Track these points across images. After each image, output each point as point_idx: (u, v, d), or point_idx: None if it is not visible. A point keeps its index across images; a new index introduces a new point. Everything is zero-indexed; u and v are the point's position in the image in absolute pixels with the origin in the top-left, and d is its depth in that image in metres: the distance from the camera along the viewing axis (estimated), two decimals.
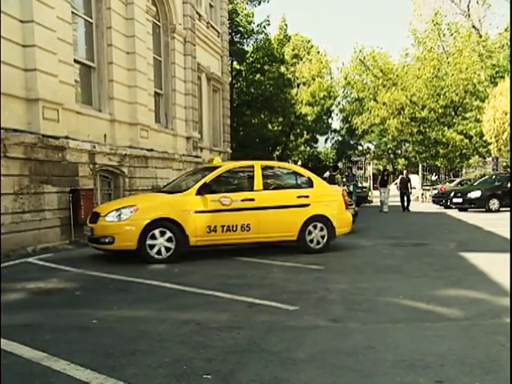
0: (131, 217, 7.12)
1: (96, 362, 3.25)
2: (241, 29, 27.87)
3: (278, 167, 8.95)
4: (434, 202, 23.55)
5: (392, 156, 55.27)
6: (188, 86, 15.90)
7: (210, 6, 19.64)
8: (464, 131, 29.41)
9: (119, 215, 7.15)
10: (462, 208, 18.68)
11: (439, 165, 33.37)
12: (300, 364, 3.24)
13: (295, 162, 42.31)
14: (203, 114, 18.52)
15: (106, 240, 7.10)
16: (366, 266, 7.05)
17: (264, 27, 28.46)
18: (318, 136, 46.91)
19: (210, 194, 7.52)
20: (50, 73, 8.81)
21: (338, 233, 8.37)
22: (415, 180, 28.55)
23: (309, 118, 37.70)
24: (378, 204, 19.98)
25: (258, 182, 7.94)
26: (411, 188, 20.29)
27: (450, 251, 8.34)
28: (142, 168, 12.26)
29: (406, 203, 19.18)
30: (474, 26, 31.00)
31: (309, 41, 41.98)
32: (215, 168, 8.13)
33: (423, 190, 28.50)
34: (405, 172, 20.82)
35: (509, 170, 23.49)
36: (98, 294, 5.32)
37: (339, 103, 45.69)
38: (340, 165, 37.35)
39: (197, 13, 17.05)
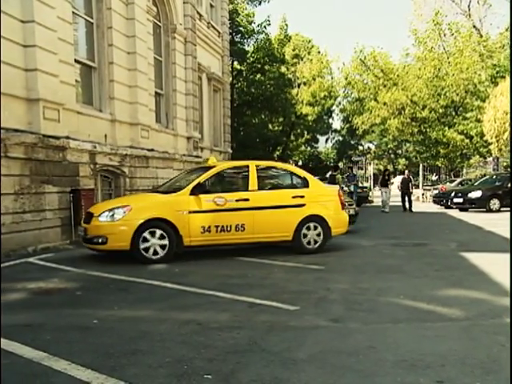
0: (124, 217, 7.10)
1: (97, 361, 3.26)
2: (241, 29, 27.87)
3: (274, 167, 8.89)
4: (434, 202, 23.55)
5: (393, 156, 55.31)
6: (189, 86, 15.91)
7: (211, 6, 19.64)
8: (465, 131, 29.39)
9: (112, 215, 7.14)
10: (462, 208, 18.66)
11: (440, 165, 33.35)
12: (301, 364, 3.24)
13: (296, 162, 42.33)
14: (204, 114, 18.53)
15: (99, 240, 7.09)
16: (366, 265, 7.05)
17: (264, 27, 28.48)
18: (318, 136, 46.94)
19: (204, 194, 7.49)
20: (51, 73, 8.81)
21: (334, 233, 8.33)
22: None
23: (309, 118, 37.69)
24: (379, 204, 19.98)
25: (253, 182, 7.90)
26: (412, 188, 20.24)
27: (450, 251, 8.34)
28: (143, 168, 12.27)
29: (407, 203, 19.11)
30: (474, 26, 30.96)
31: (309, 41, 41.98)
32: (210, 168, 8.10)
33: (424, 189, 28.48)
34: (406, 172, 20.77)
35: (509, 169, 23.48)
36: (98, 294, 5.32)
37: (340, 103, 45.72)
38: (340, 165, 37.30)
39: (197, 13, 17.06)
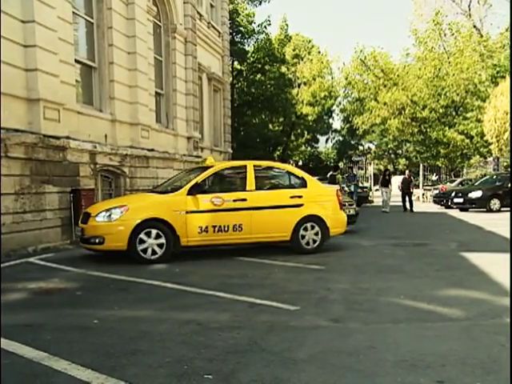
0: (121, 217, 7.10)
1: (97, 361, 3.26)
2: (242, 29, 27.86)
3: (271, 167, 8.86)
4: (434, 202, 23.54)
5: (393, 156, 55.30)
6: (189, 86, 15.91)
7: (211, 6, 19.64)
8: (465, 131, 29.39)
9: (109, 215, 7.13)
10: (462, 208, 18.66)
11: (440, 165, 33.35)
12: (301, 364, 3.24)
13: (296, 162, 42.34)
14: (204, 114, 18.53)
15: (97, 240, 7.09)
16: (367, 265, 7.05)
17: (265, 27, 28.47)
18: (318, 136, 46.96)
19: (201, 194, 7.48)
20: (51, 73, 8.82)
21: (332, 233, 8.31)
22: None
23: (309, 118, 37.69)
24: (379, 204, 19.96)
25: (251, 182, 7.89)
26: (413, 188, 20.21)
27: (451, 251, 8.34)
28: (143, 168, 12.27)
29: (407, 204, 19.09)
30: (475, 26, 30.94)
31: (309, 41, 41.98)
32: (207, 168, 8.10)
33: (424, 189, 28.48)
34: (407, 172, 20.73)
35: (510, 169, 23.47)
36: (98, 294, 5.32)
37: (340, 103, 45.74)
38: (341, 165, 37.31)
39: (198, 13, 17.06)
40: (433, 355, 3.37)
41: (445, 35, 31.52)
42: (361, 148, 53.68)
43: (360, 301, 4.94)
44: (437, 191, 24.08)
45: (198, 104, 17.01)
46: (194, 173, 8.25)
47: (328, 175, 18.11)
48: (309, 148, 46.02)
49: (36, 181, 8.44)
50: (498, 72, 26.18)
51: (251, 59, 28.79)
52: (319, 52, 41.47)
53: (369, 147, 55.00)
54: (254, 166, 8.15)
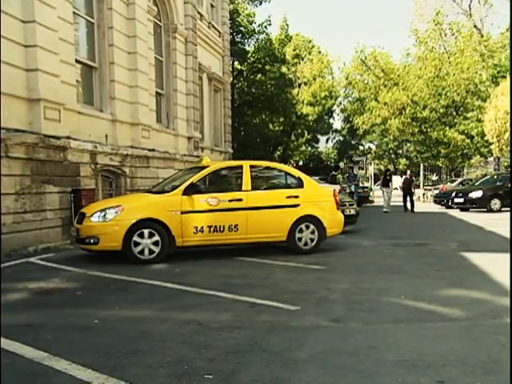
0: (116, 217, 7.08)
1: (97, 361, 3.26)
2: (242, 29, 27.85)
3: (268, 167, 8.78)
4: (435, 201, 23.54)
5: (393, 156, 55.26)
6: (189, 86, 15.91)
7: (212, 6, 19.65)
8: (465, 131, 29.39)
9: (104, 216, 7.12)
10: (463, 208, 18.65)
11: (441, 165, 33.35)
12: (301, 364, 3.24)
13: (296, 162, 42.35)
14: (204, 114, 18.53)
15: (91, 240, 7.08)
16: (367, 265, 7.05)
17: (265, 27, 28.46)
18: (319, 136, 46.93)
19: (197, 194, 7.46)
20: (52, 73, 8.82)
21: (329, 233, 8.28)
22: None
23: (310, 118, 37.67)
24: (379, 204, 19.94)
25: (247, 182, 7.86)
26: (414, 188, 20.18)
27: (451, 251, 8.33)
28: (144, 168, 12.27)
29: (408, 203, 19.06)
30: (475, 26, 30.94)
31: (310, 41, 41.96)
32: (203, 168, 8.08)
33: (425, 189, 28.48)
34: (408, 172, 20.70)
35: (510, 169, 23.46)
36: (99, 294, 5.32)
37: (340, 103, 45.70)
38: (341, 165, 37.31)
39: (198, 13, 17.06)
40: (433, 355, 3.36)
41: (445, 35, 31.53)
42: (361, 148, 53.68)
43: (360, 301, 4.94)
44: (437, 191, 24.08)
45: (199, 104, 17.01)
46: (191, 173, 8.23)
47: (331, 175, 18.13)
48: (309, 148, 45.99)
49: (36, 181, 8.44)
50: (498, 72, 26.17)
51: (251, 59, 28.78)
52: (319, 52, 41.46)
53: (369, 147, 55.01)
54: (250, 166, 8.12)
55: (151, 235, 7.11)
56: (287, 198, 7.99)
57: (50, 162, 8.79)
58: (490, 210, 17.59)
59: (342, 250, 8.57)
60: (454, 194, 19.28)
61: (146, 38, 12.52)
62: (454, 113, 32.23)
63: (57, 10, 9.03)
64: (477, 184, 20.22)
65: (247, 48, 28.87)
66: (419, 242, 9.50)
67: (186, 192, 7.42)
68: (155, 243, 7.14)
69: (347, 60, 59.09)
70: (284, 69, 31.83)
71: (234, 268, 6.92)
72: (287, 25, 34.75)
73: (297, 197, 8.03)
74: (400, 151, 52.17)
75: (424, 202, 26.72)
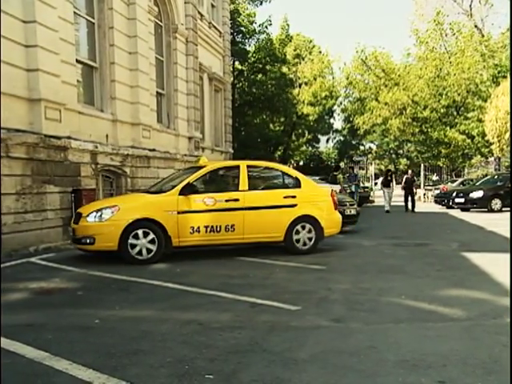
0: (112, 217, 7.08)
1: (98, 361, 3.26)
2: (243, 29, 27.85)
3: (265, 167, 8.73)
4: (436, 202, 23.53)
5: (394, 156, 55.25)
6: (190, 86, 15.91)
7: (212, 6, 19.65)
8: (466, 131, 29.38)
9: (100, 215, 7.12)
10: (464, 208, 18.64)
11: (441, 165, 33.32)
12: (302, 364, 3.24)
13: (297, 162, 42.33)
14: (205, 113, 18.53)
15: (87, 240, 7.08)
16: (368, 265, 7.04)
17: (266, 27, 28.46)
18: (319, 136, 46.90)
19: (193, 194, 7.45)
20: (52, 73, 8.82)
21: (327, 233, 8.26)
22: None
23: (310, 117, 37.65)
24: (380, 204, 19.92)
25: (244, 182, 7.84)
26: (416, 188, 20.13)
27: (452, 251, 8.33)
28: (144, 168, 12.28)
29: (410, 203, 19.04)
30: (476, 26, 30.91)
31: (310, 41, 41.95)
32: (200, 168, 8.07)
33: (425, 189, 28.48)
34: (409, 172, 20.67)
35: (510, 169, 23.45)
36: (100, 294, 5.32)
37: (341, 103, 45.64)
38: (342, 165, 37.29)
39: (199, 13, 17.06)
40: (434, 355, 3.36)
41: (446, 35, 31.51)
42: (362, 148, 53.65)
43: (361, 301, 4.94)
44: (438, 191, 24.07)
45: (199, 104, 17.02)
46: (188, 173, 8.21)
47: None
48: (310, 148, 45.95)
49: (37, 181, 8.45)
50: (499, 72, 26.16)
51: (252, 59, 28.78)
52: (320, 52, 41.43)
53: (370, 147, 55.01)
54: (247, 166, 8.10)
55: (147, 235, 7.10)
56: (284, 198, 7.97)
57: (50, 162, 8.79)
58: (491, 210, 17.58)
59: (342, 250, 8.57)
60: (454, 194, 19.27)
61: (146, 38, 12.52)
62: (455, 113, 32.22)
63: (57, 10, 9.04)
64: (477, 184, 20.20)
65: (248, 48, 28.87)
66: (420, 242, 9.49)
67: (182, 192, 7.40)
68: (151, 243, 7.13)
69: (348, 60, 59.01)
70: (285, 69, 31.82)
71: (235, 268, 6.92)
72: (288, 25, 34.75)
73: (294, 197, 8.01)
74: (401, 151, 52.19)
75: (425, 202, 26.71)
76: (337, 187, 15.70)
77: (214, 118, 19.74)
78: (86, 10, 10.93)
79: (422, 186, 28.80)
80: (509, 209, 16.33)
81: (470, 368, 3.16)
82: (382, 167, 51.99)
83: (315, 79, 37.57)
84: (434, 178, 33.30)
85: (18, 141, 7.95)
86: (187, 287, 5.52)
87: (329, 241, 8.93)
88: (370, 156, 49.53)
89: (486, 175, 25.01)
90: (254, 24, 28.74)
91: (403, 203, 19.46)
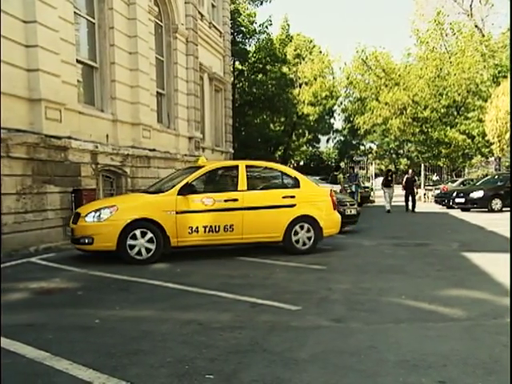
0: (110, 217, 7.07)
1: (98, 361, 3.26)
2: (243, 29, 27.85)
3: (264, 167, 8.71)
4: (436, 201, 23.51)
5: (394, 156, 55.23)
6: (190, 86, 15.92)
7: (212, 6, 19.65)
8: (466, 131, 29.36)
9: (99, 215, 7.11)
10: (464, 208, 18.63)
11: (442, 165, 33.31)
12: (302, 364, 3.24)
13: (297, 162, 42.33)
14: (205, 114, 18.53)
15: (86, 240, 7.07)
16: (368, 265, 7.04)
17: (266, 27, 28.47)
18: (320, 136, 46.88)
19: (192, 194, 7.44)
20: (53, 73, 8.83)
21: (326, 233, 8.25)
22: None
23: (311, 117, 37.65)
24: (380, 204, 19.91)
25: (242, 182, 7.83)
26: (417, 188, 20.10)
27: (452, 251, 8.33)
28: (145, 168, 12.28)
29: (410, 203, 19.02)
30: (476, 26, 30.89)
31: (311, 41, 41.95)
32: (199, 168, 8.06)
33: (426, 189, 28.47)
34: (410, 171, 20.64)
35: (510, 169, 23.45)
36: (100, 294, 5.32)
37: (341, 103, 45.62)
38: (342, 165, 37.28)
39: (199, 13, 17.07)
40: (434, 355, 3.36)
41: (446, 35, 31.50)
42: (362, 148, 53.61)
43: (361, 301, 4.93)
44: (438, 191, 24.06)
45: (200, 104, 17.02)
46: (186, 173, 8.20)
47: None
48: (310, 148, 45.94)
49: (38, 181, 8.45)
50: (499, 72, 26.16)
51: (252, 59, 28.78)
52: (320, 52, 41.43)
53: (370, 147, 54.96)
54: (246, 166, 8.08)
55: (146, 235, 7.10)
56: (283, 198, 7.96)
57: (51, 162, 8.80)
58: (491, 210, 17.57)
59: (342, 250, 8.57)
60: (455, 194, 19.27)
61: (146, 38, 12.53)
62: (455, 113, 32.21)
63: (58, 10, 9.04)
64: (478, 184, 20.20)
65: (248, 48, 28.88)
66: (420, 242, 9.49)
67: (181, 192, 7.40)
68: (150, 243, 7.12)
69: (348, 60, 58.96)
70: (285, 69, 31.82)
71: (235, 268, 6.92)
72: (288, 25, 34.77)
73: (293, 197, 8.00)
74: (401, 151, 52.15)
75: (425, 202, 26.70)
76: (337, 187, 15.73)
77: (214, 118, 19.75)
78: (86, 10, 10.94)
79: (422, 185, 28.80)
80: (509, 209, 16.33)
81: (470, 368, 3.16)
82: (383, 167, 51.96)
83: (315, 79, 37.56)
84: (435, 177, 33.30)
85: (18, 141, 7.95)
86: (187, 287, 5.52)
87: (329, 241, 8.93)
88: (370, 156, 49.50)
89: (487, 175, 25.01)
90: (254, 24, 28.75)
91: (403, 203, 19.45)
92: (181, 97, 15.27)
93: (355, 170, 21.68)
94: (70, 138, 9.25)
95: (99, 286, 5.75)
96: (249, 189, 7.84)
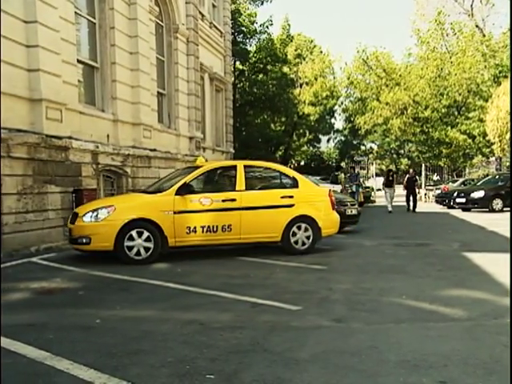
0: (108, 217, 7.07)
1: (99, 361, 3.26)
2: (243, 29, 27.85)
3: (262, 167, 8.70)
4: (437, 201, 23.51)
5: (395, 156, 55.19)
6: (191, 86, 15.92)
7: (213, 6, 19.66)
8: (467, 131, 29.35)
9: (96, 215, 7.11)
10: (465, 208, 18.62)
11: (442, 165, 33.30)
12: (303, 364, 3.24)
13: (298, 162, 42.32)
14: (206, 114, 18.54)
15: (83, 240, 7.07)
16: (369, 265, 7.04)
17: (267, 27, 28.46)
18: (320, 136, 46.83)
19: (190, 194, 7.43)
20: (54, 73, 8.83)
21: (324, 233, 8.23)
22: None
23: (311, 117, 37.64)
24: (381, 204, 19.90)
25: (241, 182, 7.82)
26: (419, 188, 20.07)
27: (453, 251, 8.32)
28: (145, 168, 12.28)
29: (411, 203, 19.01)
30: (477, 26, 30.87)
31: (311, 41, 41.94)
32: (197, 168, 8.06)
33: (426, 189, 28.46)
34: (411, 171, 20.62)
35: (511, 169, 23.43)
36: (101, 294, 5.33)
37: (342, 103, 45.58)
38: (343, 165, 37.25)
39: (200, 13, 17.07)
40: (435, 355, 3.36)
41: (447, 35, 31.49)
42: (363, 148, 53.55)
43: (362, 301, 4.93)
44: (439, 191, 24.05)
45: (200, 104, 17.02)
46: (185, 173, 8.19)
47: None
48: (311, 148, 45.90)
49: (38, 181, 8.45)
50: (500, 72, 26.14)
51: (253, 59, 28.78)
52: (321, 52, 41.41)
53: (371, 147, 54.90)
54: (245, 166, 8.07)
55: (143, 235, 7.09)
56: (282, 198, 7.95)
57: (51, 162, 8.80)
58: (492, 210, 17.56)
59: (343, 250, 8.56)
60: (455, 194, 19.26)
61: (147, 38, 12.53)
62: (456, 113, 32.19)
63: (58, 10, 9.04)
64: (479, 184, 20.19)
65: (249, 48, 28.87)
66: (421, 242, 9.49)
67: (178, 192, 7.39)
68: (147, 243, 7.12)
69: (349, 60, 58.93)
70: (286, 69, 31.82)
71: (236, 268, 6.92)
72: (289, 25, 34.74)
73: (291, 197, 7.99)
74: (402, 151, 52.12)
75: (426, 202, 26.70)
76: (338, 187, 15.75)
77: (215, 118, 19.75)
78: (87, 10, 10.94)
79: (423, 185, 28.78)
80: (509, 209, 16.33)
81: (471, 368, 3.15)
82: (383, 167, 51.94)
83: (316, 79, 37.55)
84: (435, 177, 33.28)
85: (19, 141, 7.95)
86: (188, 287, 5.52)
87: (330, 241, 8.93)
88: (371, 156, 49.46)
89: (487, 175, 24.98)
90: (255, 24, 28.75)
91: (404, 203, 19.43)
92: (181, 97, 15.27)
93: (356, 170, 21.65)
94: (70, 138, 9.26)
95: (100, 285, 5.76)
96: (247, 189, 7.83)
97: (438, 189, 24.95)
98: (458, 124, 30.24)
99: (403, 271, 6.57)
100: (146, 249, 7.11)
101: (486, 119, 23.55)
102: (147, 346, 3.57)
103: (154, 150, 12.67)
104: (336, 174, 17.61)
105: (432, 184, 30.13)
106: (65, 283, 5.86)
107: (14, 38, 8.12)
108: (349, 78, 35.56)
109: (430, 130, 31.61)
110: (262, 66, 29.06)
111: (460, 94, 30.55)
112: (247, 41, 28.84)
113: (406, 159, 50.49)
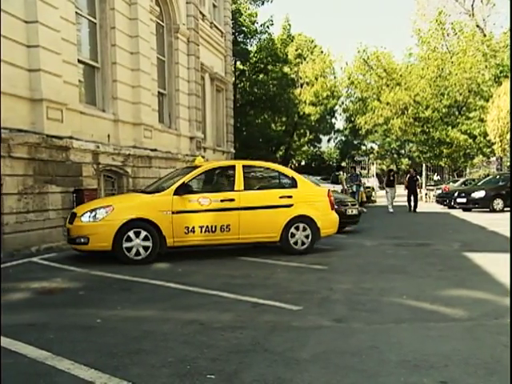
0: (106, 217, 7.07)
1: (100, 361, 3.26)
2: (244, 29, 27.86)
3: (261, 167, 8.68)
4: (437, 201, 23.49)
5: (395, 156, 55.19)
6: (191, 86, 15.92)
7: (214, 6, 19.66)
8: (468, 131, 29.34)
9: (94, 215, 7.11)
10: (465, 208, 18.61)
11: (443, 165, 33.29)
12: (304, 364, 3.24)
13: (299, 162, 42.31)
14: (206, 113, 18.53)
15: (82, 240, 7.07)
16: (369, 265, 7.04)
17: (267, 27, 28.50)
18: (321, 136, 46.82)
19: (188, 194, 7.43)
20: (54, 73, 8.83)
21: (323, 234, 8.22)
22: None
23: (312, 117, 37.65)
24: (381, 204, 19.89)
25: (239, 182, 7.82)
26: (419, 188, 20.04)
27: (453, 251, 8.32)
28: (146, 168, 12.28)
29: (412, 203, 18.99)
30: (478, 26, 30.85)
31: (312, 40, 41.94)
32: (196, 168, 8.05)
33: (427, 189, 28.44)
34: (411, 171, 20.60)
35: (511, 169, 23.42)
36: (101, 294, 5.33)
37: (342, 103, 45.58)
38: (343, 165, 37.24)
39: (200, 13, 17.07)
40: (436, 355, 3.36)
41: (448, 35, 31.46)
42: (363, 148, 53.53)
43: (363, 301, 4.93)
44: (440, 191, 24.04)
45: (201, 104, 17.02)
46: (184, 173, 8.19)
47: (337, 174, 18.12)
48: (311, 148, 45.91)
49: (39, 181, 8.46)
50: (501, 72, 26.12)
51: (254, 59, 28.79)
52: (322, 52, 41.41)
53: (371, 147, 54.88)
54: (243, 166, 8.07)
55: (142, 235, 7.09)
56: (280, 198, 7.94)
57: (52, 162, 8.80)
58: (493, 210, 17.54)
59: (343, 250, 8.56)
60: (456, 194, 19.25)
61: (148, 38, 12.53)
62: (457, 113, 32.19)
63: (59, 10, 9.04)
64: (479, 184, 20.18)
65: (249, 48, 28.89)
66: (421, 242, 9.48)
67: (177, 192, 7.38)
68: (145, 243, 7.11)
69: (349, 60, 58.89)
70: (286, 69, 31.83)
71: (236, 268, 6.92)
72: (289, 25, 34.78)
73: (290, 197, 7.98)
74: (402, 151, 52.14)
75: (426, 202, 26.67)
76: (339, 187, 15.75)
77: (215, 118, 19.75)
78: (87, 10, 10.94)
79: (423, 185, 28.76)
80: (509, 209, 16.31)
81: (471, 368, 3.15)
82: (384, 167, 51.92)
83: (317, 79, 37.57)
84: (436, 177, 33.27)
85: (19, 141, 7.96)
86: (189, 287, 5.52)
87: (330, 241, 8.94)
88: (371, 156, 49.49)
89: (488, 175, 24.97)
90: (255, 24, 28.77)
91: (405, 203, 19.41)
92: (182, 97, 15.27)
93: (357, 170, 21.63)
94: (71, 138, 9.26)
95: (101, 285, 5.76)
96: (246, 189, 7.83)
97: (439, 189, 24.94)
98: (459, 124, 30.24)
99: (404, 271, 6.57)
100: (145, 248, 7.11)
101: (486, 119, 23.54)
102: (148, 346, 3.57)
103: (155, 150, 12.67)
104: (337, 173, 17.59)
105: (433, 184, 30.12)
106: (65, 283, 5.86)
107: (14, 38, 8.12)
108: (349, 78, 35.55)
109: (431, 129, 31.60)
110: (262, 65, 29.07)
111: (461, 94, 30.54)
112: (248, 41, 28.86)
113: (406, 159, 50.53)
